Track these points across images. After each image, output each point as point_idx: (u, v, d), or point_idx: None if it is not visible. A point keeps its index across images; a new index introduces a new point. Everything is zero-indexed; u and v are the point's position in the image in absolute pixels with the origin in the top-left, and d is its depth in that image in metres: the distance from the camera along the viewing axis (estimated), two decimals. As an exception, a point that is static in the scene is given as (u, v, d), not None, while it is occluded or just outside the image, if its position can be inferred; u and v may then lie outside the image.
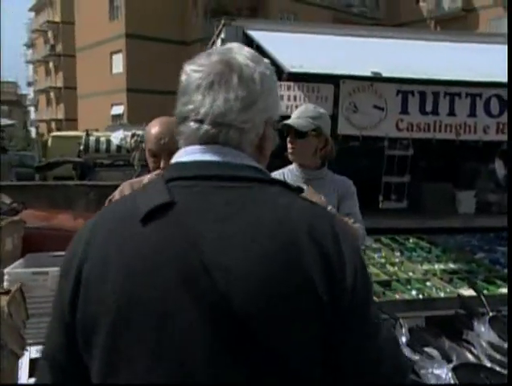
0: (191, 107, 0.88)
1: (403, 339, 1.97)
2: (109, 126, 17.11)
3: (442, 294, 3.25)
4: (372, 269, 3.80)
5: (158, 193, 0.83)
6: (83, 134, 10.31)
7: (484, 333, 2.02)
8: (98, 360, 0.81)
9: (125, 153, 8.92)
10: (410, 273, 3.77)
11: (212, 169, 0.85)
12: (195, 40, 27.35)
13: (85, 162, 9.09)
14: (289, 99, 3.83)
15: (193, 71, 0.89)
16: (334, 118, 4.02)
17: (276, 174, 2.34)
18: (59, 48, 45.06)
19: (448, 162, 5.19)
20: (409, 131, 4.07)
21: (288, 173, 2.35)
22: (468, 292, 3.15)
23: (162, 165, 1.98)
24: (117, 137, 9.27)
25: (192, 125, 0.88)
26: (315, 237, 0.80)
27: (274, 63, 4.25)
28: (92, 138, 9.61)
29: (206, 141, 0.88)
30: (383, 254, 4.19)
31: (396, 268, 3.89)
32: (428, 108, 4.04)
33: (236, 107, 0.87)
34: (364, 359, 0.82)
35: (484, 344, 1.94)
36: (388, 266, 3.91)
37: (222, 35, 4.66)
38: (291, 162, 2.41)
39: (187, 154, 0.89)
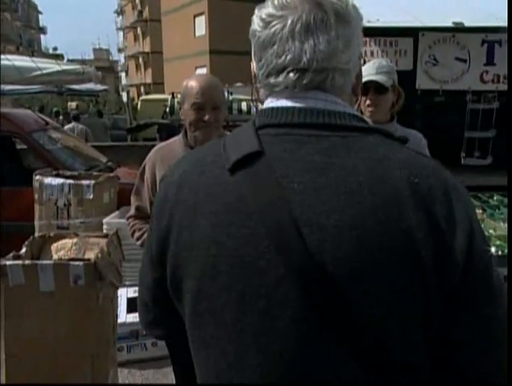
0: (289, 57, 0.78)
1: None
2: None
3: (522, 252, 3.17)
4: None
5: (248, 141, 0.79)
6: (169, 97, 10.77)
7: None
8: (188, 306, 0.81)
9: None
10: (491, 231, 3.69)
11: (306, 116, 0.79)
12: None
13: (171, 124, 9.50)
14: (366, 54, 3.78)
15: (275, 18, 0.79)
16: (413, 73, 3.93)
17: None
18: (145, 14, 46.42)
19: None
20: (495, 83, 3.87)
21: None
22: (551, 249, 3.06)
23: (206, 118, 1.94)
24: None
25: (292, 75, 0.79)
26: (421, 193, 0.71)
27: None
28: (177, 100, 9.99)
29: (308, 88, 0.80)
30: (464, 211, 4.11)
31: (477, 225, 3.81)
32: (517, 57, 3.80)
33: (339, 47, 0.79)
34: (486, 340, 0.74)
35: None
36: (468, 223, 3.84)
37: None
38: None
39: (280, 100, 0.82)
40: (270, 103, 0.83)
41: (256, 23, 0.82)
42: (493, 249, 3.34)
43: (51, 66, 5.85)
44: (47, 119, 5.65)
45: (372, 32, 3.73)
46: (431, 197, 0.72)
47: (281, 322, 0.72)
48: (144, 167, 2.09)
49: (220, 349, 0.78)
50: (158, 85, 40.56)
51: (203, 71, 30.29)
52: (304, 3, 0.78)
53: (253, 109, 9.49)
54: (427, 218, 0.70)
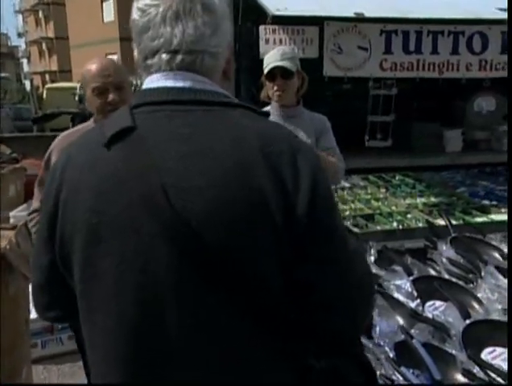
0: (161, 40, 0.88)
1: (372, 259, 2.20)
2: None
3: (420, 225, 3.46)
4: (357, 204, 4.01)
5: (122, 119, 0.87)
6: (78, 85, 10.30)
7: (444, 251, 2.24)
8: (76, 278, 0.87)
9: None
10: (393, 207, 3.99)
11: (176, 94, 0.88)
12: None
13: (82, 112, 9.11)
14: (274, 42, 3.91)
15: (150, 6, 0.89)
16: (320, 60, 4.12)
17: None
18: (47, -4, 43.66)
19: (436, 100, 5.30)
20: (393, 70, 4.16)
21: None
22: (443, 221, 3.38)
23: (110, 98, 1.89)
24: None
25: (165, 56, 0.89)
26: (270, 155, 0.81)
27: (258, 6, 4.28)
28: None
29: (179, 69, 0.90)
30: (369, 191, 4.39)
31: (380, 203, 4.09)
32: (411, 47, 4.11)
33: (207, 32, 0.89)
34: (333, 270, 0.84)
35: (444, 260, 2.17)
36: (373, 201, 4.11)
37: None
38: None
39: (153, 81, 0.91)
40: (146, 84, 0.92)
41: (135, 13, 0.91)
42: (394, 224, 3.62)
43: None
44: None
45: (280, 20, 3.87)
46: (280, 159, 0.82)
47: (158, 276, 0.80)
48: (50, 156, 2.00)
49: (104, 311, 0.84)
50: (65, 73, 38.42)
51: (113, 58, 29.09)
52: None
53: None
54: (275, 176, 0.81)
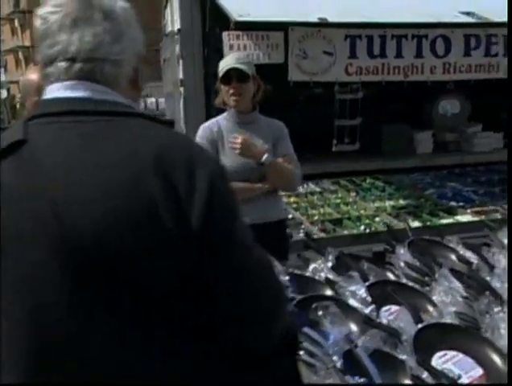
0: (59, 47, 0.87)
1: (329, 264, 2.19)
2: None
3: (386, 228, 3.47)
4: (326, 209, 4.01)
5: (15, 131, 0.85)
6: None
7: (402, 254, 2.24)
8: None
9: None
10: (362, 211, 4.00)
11: (75, 105, 0.86)
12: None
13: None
14: (239, 48, 3.89)
15: (50, 14, 0.88)
16: (285, 65, 4.12)
17: (210, 123, 2.45)
18: (23, 4, 43.18)
19: (404, 103, 5.34)
20: (358, 75, 4.19)
21: (223, 120, 2.45)
22: (413, 224, 3.40)
23: None
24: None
25: (63, 64, 0.88)
26: (163, 165, 0.79)
27: (220, 12, 4.27)
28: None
29: (79, 78, 0.88)
30: (339, 195, 4.40)
31: (349, 207, 4.10)
32: (376, 51, 4.14)
33: (106, 40, 0.88)
34: (232, 277, 0.83)
35: (401, 264, 2.17)
36: (342, 206, 4.12)
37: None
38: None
39: (53, 91, 0.89)
40: (46, 94, 0.92)
41: (36, 21, 0.91)
42: (362, 228, 3.62)
43: None
44: None
45: (244, 26, 3.86)
46: (173, 167, 0.80)
47: (47, 291, 0.79)
48: None
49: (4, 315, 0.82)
50: (42, 82, 37.98)
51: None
52: (75, 2, 0.89)
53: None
54: (167, 184, 0.79)
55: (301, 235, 3.29)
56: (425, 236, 2.52)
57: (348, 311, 1.83)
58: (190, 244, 0.79)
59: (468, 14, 4.29)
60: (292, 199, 4.27)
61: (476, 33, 4.35)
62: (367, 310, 1.87)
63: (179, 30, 4.60)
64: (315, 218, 3.85)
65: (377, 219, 3.77)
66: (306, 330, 1.62)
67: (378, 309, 1.91)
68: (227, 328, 0.85)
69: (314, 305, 1.76)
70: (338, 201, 4.23)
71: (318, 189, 4.57)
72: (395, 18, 4.03)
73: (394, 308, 1.94)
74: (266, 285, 0.88)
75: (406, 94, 4.89)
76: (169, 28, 5.92)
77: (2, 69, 55.63)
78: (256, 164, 2.29)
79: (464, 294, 1.89)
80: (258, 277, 0.86)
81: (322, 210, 4.06)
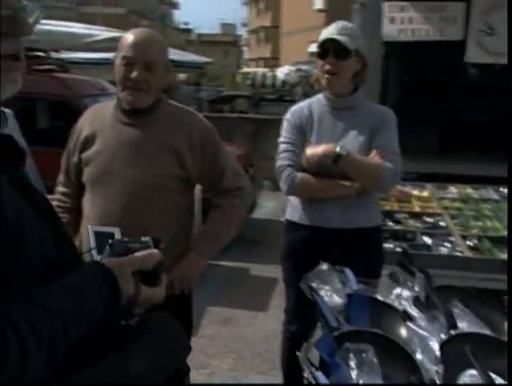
0: None
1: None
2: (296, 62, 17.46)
3: None
4: (494, 223, 3.25)
5: None
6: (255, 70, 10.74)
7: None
8: None
9: (289, 88, 8.98)
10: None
11: None
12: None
13: (253, 96, 9.45)
14: (402, 22, 3.32)
15: None
16: (462, 44, 3.41)
17: (302, 106, 2.08)
18: (266, -12, 46.50)
19: None
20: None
21: (315, 103, 2.06)
22: None
23: (133, 75, 1.72)
24: (282, 72, 9.37)
25: None
26: None
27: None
28: (259, 73, 9.91)
29: None
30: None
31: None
32: None
33: None
34: None
35: None
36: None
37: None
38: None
39: None
40: None
41: None
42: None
43: (101, 33, 5.89)
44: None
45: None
46: None
47: None
48: (76, 126, 1.96)
49: None
50: (275, 60, 40.71)
51: (314, 46, 29.52)
52: None
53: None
54: None
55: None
56: None
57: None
58: None
59: None
60: (456, 205, 3.60)
61: None
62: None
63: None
64: (473, 231, 3.14)
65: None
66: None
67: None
68: None
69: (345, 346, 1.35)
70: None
71: (496, 196, 3.75)
72: None
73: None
74: None
75: None
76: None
77: (247, 48, 61.58)
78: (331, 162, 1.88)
79: None
80: None
81: (490, 223, 3.29)
